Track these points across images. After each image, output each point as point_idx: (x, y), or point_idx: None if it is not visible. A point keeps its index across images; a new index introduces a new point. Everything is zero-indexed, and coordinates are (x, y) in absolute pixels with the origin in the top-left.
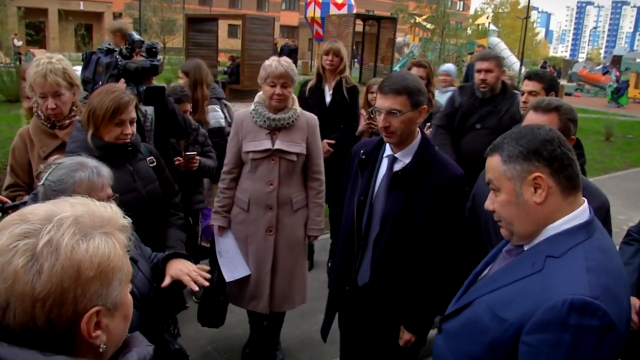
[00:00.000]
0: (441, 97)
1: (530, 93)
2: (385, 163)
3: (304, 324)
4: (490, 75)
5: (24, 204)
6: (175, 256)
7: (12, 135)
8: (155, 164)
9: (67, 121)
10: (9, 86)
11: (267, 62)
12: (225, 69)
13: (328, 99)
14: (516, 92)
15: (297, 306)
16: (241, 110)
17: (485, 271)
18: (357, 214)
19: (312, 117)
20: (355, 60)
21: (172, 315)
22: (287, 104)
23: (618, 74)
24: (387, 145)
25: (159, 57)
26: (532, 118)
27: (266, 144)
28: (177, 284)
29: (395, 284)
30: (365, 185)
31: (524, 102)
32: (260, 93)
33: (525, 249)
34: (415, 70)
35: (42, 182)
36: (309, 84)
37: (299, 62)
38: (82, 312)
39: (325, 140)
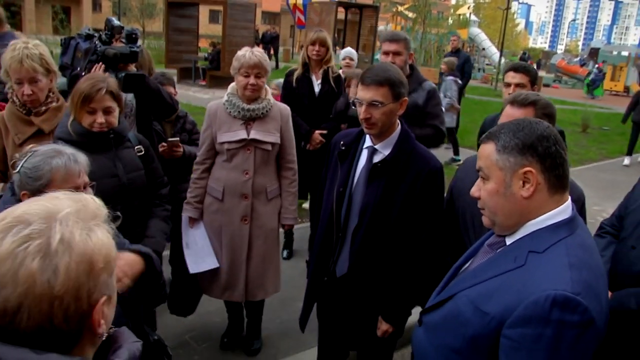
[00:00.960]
0: None
1: (517, 85)
2: (365, 154)
3: (283, 312)
4: (398, 58)
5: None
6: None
7: None
8: (143, 152)
9: (44, 107)
10: None
11: (240, 53)
12: (207, 55)
13: (317, 88)
14: (427, 81)
15: (270, 295)
16: (212, 102)
17: (467, 265)
18: (336, 205)
19: (285, 107)
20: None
21: (152, 307)
22: (260, 94)
23: (601, 65)
24: (367, 137)
25: (139, 43)
26: (508, 112)
27: (241, 134)
28: (149, 277)
29: (373, 275)
30: (344, 176)
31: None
32: (233, 84)
33: (507, 243)
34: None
35: (17, 169)
36: (295, 74)
37: (280, 49)
38: (94, 304)
39: (318, 131)
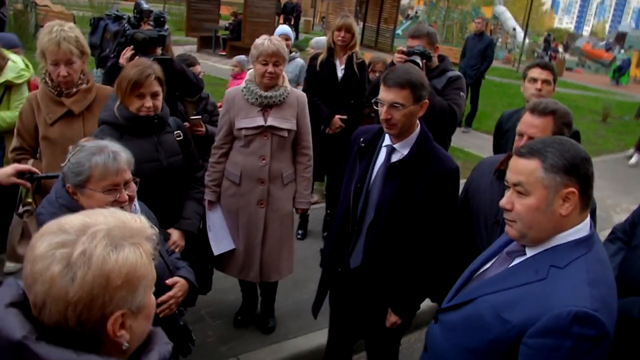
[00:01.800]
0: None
1: (544, 82)
2: (383, 152)
3: (295, 293)
4: None
5: (56, 177)
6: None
7: None
8: (182, 138)
9: (74, 89)
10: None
11: (258, 41)
12: (227, 24)
13: (340, 74)
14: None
15: (284, 277)
16: (232, 87)
17: (483, 268)
18: (353, 200)
19: (302, 95)
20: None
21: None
22: (278, 81)
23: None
24: (387, 135)
25: (166, 26)
26: (528, 120)
27: (259, 121)
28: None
29: (385, 268)
30: (362, 172)
31: (539, 90)
32: (251, 71)
33: (528, 254)
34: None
35: (65, 163)
36: (320, 58)
37: (302, 19)
38: (108, 315)
39: (337, 116)
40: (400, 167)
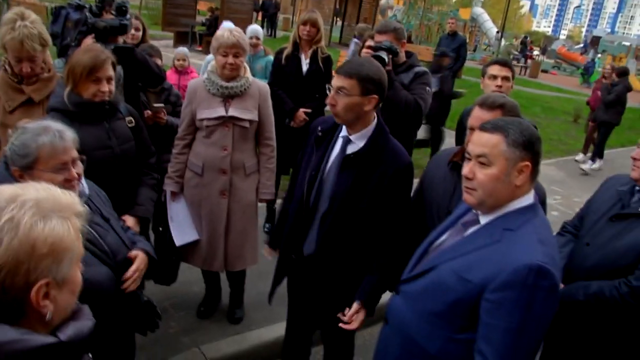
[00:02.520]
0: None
1: (504, 78)
2: (339, 143)
3: (260, 284)
4: None
5: None
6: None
7: None
8: (133, 124)
9: (34, 77)
10: None
11: (219, 33)
12: (204, 20)
13: (305, 67)
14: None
15: (248, 266)
16: (193, 79)
17: (440, 240)
18: (307, 188)
19: (264, 86)
20: (338, 19)
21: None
22: (239, 72)
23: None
24: (344, 126)
25: (128, 15)
26: (477, 114)
27: (220, 111)
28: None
29: (339, 258)
30: (318, 161)
31: (499, 87)
32: (212, 62)
33: (482, 222)
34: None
35: (8, 146)
36: (285, 52)
37: (280, 17)
38: (32, 283)
39: (302, 109)
40: (354, 159)
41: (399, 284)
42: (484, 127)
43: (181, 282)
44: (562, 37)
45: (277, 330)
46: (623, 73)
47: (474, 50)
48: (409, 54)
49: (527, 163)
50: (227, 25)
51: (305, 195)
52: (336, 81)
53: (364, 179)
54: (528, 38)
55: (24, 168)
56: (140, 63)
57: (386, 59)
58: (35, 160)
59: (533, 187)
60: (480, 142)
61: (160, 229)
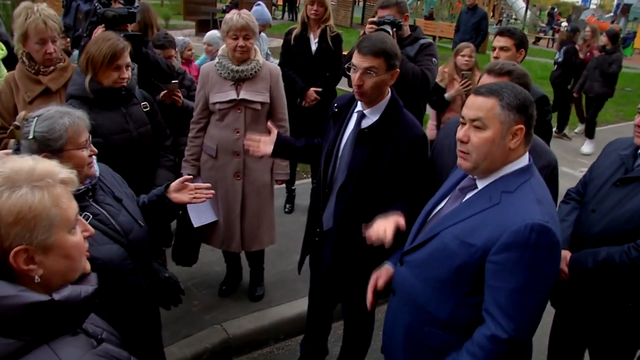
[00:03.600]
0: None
1: (501, 49)
2: (354, 118)
3: (280, 263)
4: None
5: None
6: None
7: None
8: (148, 108)
9: (51, 67)
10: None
11: (228, 16)
12: (224, 7)
13: (314, 47)
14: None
15: (265, 246)
16: (206, 63)
17: (438, 208)
18: (324, 163)
19: (275, 67)
20: None
21: (160, 248)
22: (249, 55)
23: None
24: (359, 102)
25: (136, 4)
26: (485, 80)
27: (231, 95)
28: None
29: (357, 232)
30: (334, 136)
31: (495, 58)
32: (223, 46)
33: (479, 187)
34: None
35: (30, 136)
36: (294, 33)
37: (301, 1)
38: (8, 249)
39: (313, 89)
40: (369, 133)
41: (402, 255)
42: (479, 91)
43: (203, 263)
44: (592, 6)
45: (296, 307)
46: (616, 38)
47: (499, 24)
48: (413, 27)
49: (521, 126)
50: (259, 9)
51: (322, 171)
52: (362, 61)
53: (379, 153)
54: (556, 9)
55: (56, 151)
56: (151, 62)
57: (390, 33)
58: (67, 140)
59: (527, 150)
60: (474, 105)
61: (180, 212)
